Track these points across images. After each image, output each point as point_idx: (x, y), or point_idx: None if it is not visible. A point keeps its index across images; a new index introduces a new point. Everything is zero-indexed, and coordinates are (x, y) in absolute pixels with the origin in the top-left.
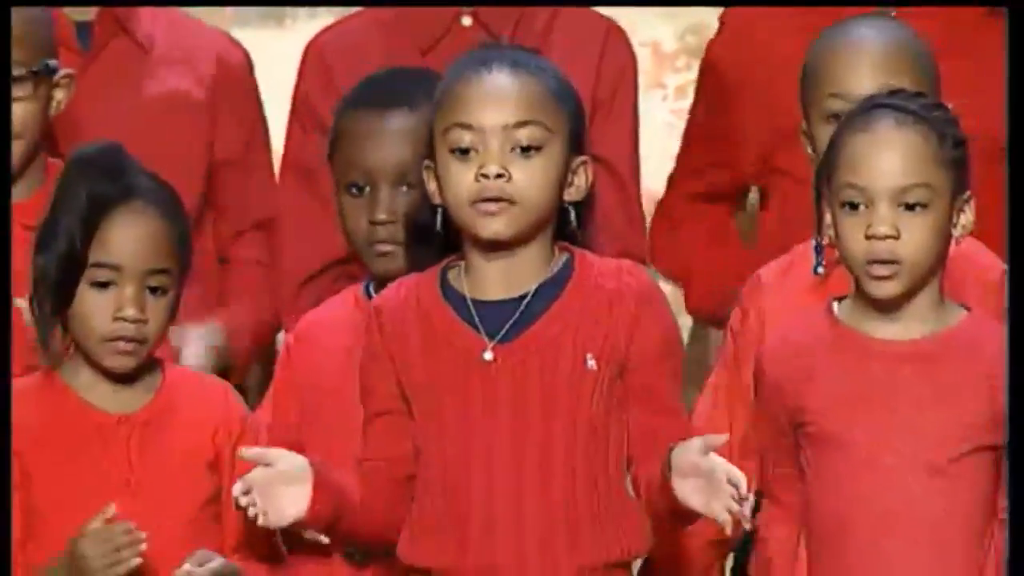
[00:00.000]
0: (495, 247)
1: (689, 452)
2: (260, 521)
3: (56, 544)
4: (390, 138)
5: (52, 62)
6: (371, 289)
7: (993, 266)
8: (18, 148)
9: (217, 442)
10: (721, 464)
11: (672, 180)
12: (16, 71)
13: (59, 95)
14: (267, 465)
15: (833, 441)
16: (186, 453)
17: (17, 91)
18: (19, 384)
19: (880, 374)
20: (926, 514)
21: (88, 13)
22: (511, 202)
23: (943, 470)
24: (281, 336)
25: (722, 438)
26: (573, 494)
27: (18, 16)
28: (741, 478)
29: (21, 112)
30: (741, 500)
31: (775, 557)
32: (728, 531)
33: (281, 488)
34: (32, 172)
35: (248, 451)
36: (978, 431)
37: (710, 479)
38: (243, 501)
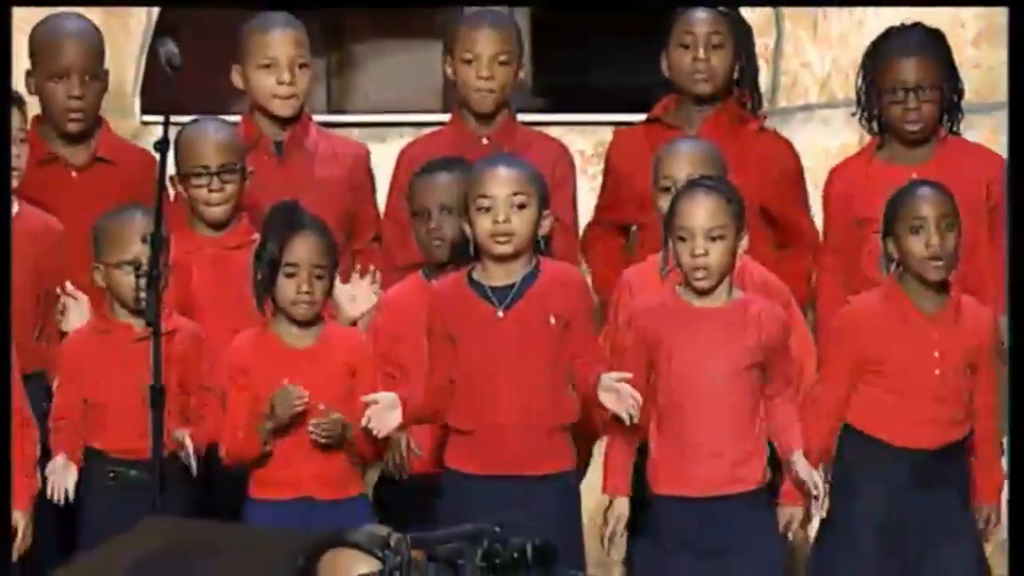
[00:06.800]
0: (502, 259)
1: (610, 378)
2: (375, 432)
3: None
4: (434, 188)
5: (243, 164)
6: (427, 273)
7: (757, 270)
8: (228, 209)
9: (354, 364)
10: (626, 388)
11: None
12: (232, 167)
13: (247, 182)
14: (375, 403)
15: (675, 361)
16: (338, 370)
17: (232, 179)
18: (246, 333)
19: (700, 324)
20: (724, 396)
21: (282, 134)
22: (512, 235)
23: (732, 373)
24: None
25: (627, 375)
26: (541, 388)
27: (232, 136)
28: (639, 396)
29: (231, 189)
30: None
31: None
32: (627, 421)
33: (386, 414)
34: (232, 220)
35: (367, 397)
36: (751, 353)
37: (620, 392)
38: (364, 421)
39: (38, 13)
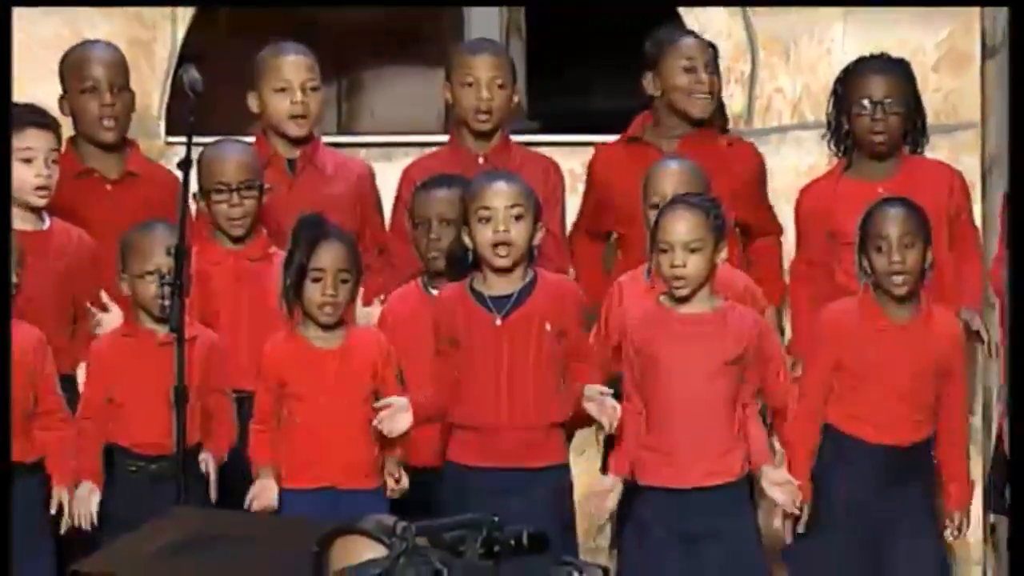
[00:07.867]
0: (501, 270)
1: (593, 389)
2: (387, 433)
3: (297, 415)
4: (434, 201)
5: (261, 181)
6: (426, 282)
7: (739, 279)
8: (248, 223)
9: (376, 363)
10: (607, 399)
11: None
12: (251, 184)
13: (265, 198)
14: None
15: (663, 364)
16: (361, 368)
17: (251, 194)
18: (276, 336)
19: (683, 330)
20: (705, 396)
21: (294, 153)
22: (511, 245)
23: (712, 375)
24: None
25: (607, 390)
26: (537, 390)
27: (250, 155)
28: (618, 407)
29: (250, 204)
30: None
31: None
32: (607, 429)
33: (399, 416)
34: (252, 233)
35: (380, 402)
36: (728, 354)
37: (602, 403)
38: (375, 422)
39: (39, 15)
